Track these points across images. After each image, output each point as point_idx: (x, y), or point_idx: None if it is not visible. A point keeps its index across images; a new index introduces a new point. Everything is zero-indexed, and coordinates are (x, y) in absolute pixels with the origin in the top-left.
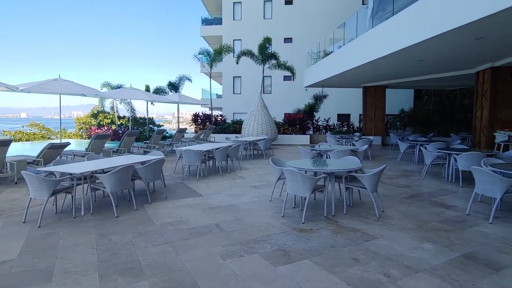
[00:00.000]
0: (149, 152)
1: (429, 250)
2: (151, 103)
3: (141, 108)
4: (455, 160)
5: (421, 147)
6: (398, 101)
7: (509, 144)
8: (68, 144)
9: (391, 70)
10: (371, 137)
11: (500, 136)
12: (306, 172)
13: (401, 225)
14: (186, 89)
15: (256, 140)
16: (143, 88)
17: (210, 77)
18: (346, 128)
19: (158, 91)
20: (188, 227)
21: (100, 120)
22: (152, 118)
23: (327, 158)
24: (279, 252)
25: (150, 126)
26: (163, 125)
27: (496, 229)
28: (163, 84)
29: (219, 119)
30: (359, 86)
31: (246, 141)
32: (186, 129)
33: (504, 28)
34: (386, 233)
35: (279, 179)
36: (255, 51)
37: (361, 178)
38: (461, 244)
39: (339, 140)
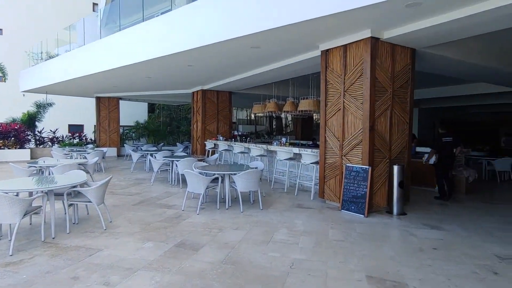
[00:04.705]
0: None
1: (149, 248)
2: None
3: None
4: (176, 165)
5: (150, 156)
6: (133, 113)
7: (214, 150)
8: None
9: (123, 83)
10: (104, 149)
11: (209, 144)
12: (17, 194)
13: (127, 231)
14: None
15: None
16: None
17: None
18: (78, 139)
19: None
20: None
21: None
22: None
23: (49, 174)
24: None
25: None
26: None
27: (201, 217)
28: None
29: None
30: (92, 95)
31: None
32: None
33: (205, 60)
34: (111, 242)
35: None
36: None
37: (86, 192)
38: (175, 236)
39: (68, 154)
